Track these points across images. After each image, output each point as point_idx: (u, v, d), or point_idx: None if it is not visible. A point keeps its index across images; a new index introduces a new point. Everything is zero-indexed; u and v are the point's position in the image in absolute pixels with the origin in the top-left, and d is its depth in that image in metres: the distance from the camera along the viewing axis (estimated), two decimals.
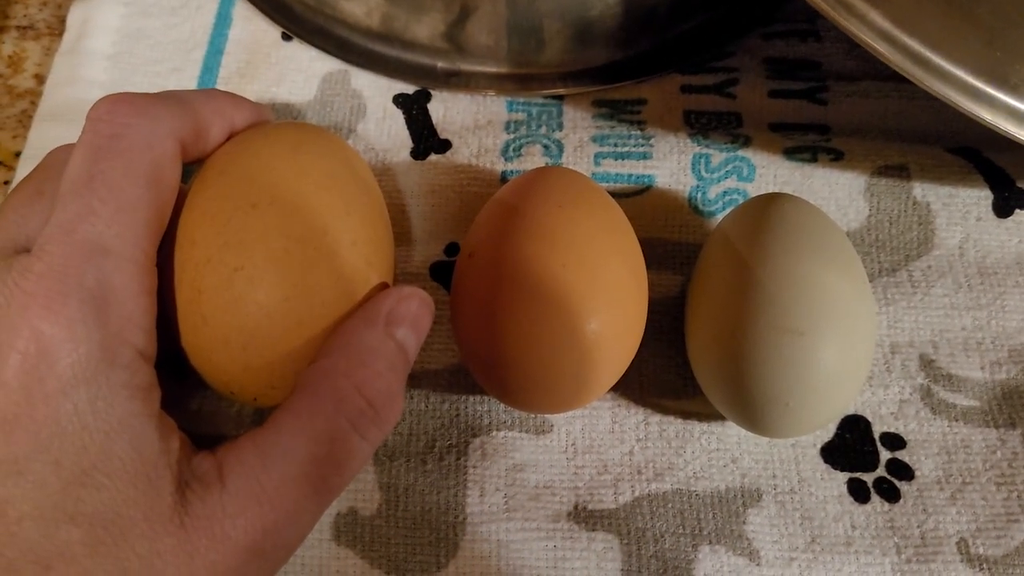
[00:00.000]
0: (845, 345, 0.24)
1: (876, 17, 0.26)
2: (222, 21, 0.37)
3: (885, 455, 0.28)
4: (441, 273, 0.31)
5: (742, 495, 0.27)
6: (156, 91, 0.24)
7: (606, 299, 0.24)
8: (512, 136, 0.33)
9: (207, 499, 0.21)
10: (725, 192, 0.32)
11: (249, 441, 0.22)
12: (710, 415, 0.28)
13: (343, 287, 0.23)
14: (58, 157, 0.24)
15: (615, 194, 0.32)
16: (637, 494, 0.27)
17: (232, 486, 0.21)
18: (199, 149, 0.25)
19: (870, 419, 0.29)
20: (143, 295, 0.21)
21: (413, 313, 0.24)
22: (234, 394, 0.24)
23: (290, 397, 0.22)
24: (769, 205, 0.27)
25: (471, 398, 0.29)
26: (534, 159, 0.33)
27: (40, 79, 0.37)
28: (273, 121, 0.28)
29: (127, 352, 0.20)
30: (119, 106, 0.22)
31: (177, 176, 0.23)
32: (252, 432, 0.22)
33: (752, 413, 0.25)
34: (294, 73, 0.36)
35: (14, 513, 0.19)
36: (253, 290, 0.22)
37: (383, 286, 0.25)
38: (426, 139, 0.34)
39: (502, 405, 0.28)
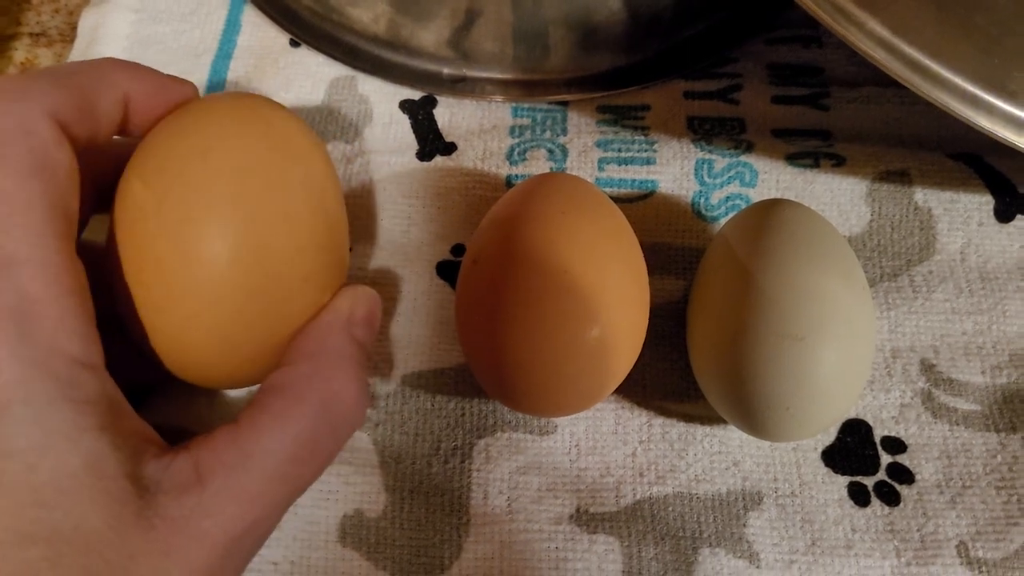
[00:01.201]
0: (845, 350, 0.24)
1: (875, 25, 0.26)
2: (231, 27, 0.37)
3: (886, 459, 0.28)
4: (447, 272, 0.31)
5: (743, 498, 0.28)
6: None
7: (608, 305, 0.25)
8: (517, 141, 0.34)
9: (184, 499, 0.20)
10: (728, 197, 0.32)
11: (228, 440, 0.22)
12: (712, 418, 0.29)
13: (294, 260, 0.23)
14: None
15: (618, 199, 0.32)
16: (639, 497, 0.28)
17: (213, 486, 0.21)
18: (88, 126, 0.22)
19: (871, 423, 0.29)
20: (66, 296, 0.20)
21: (369, 313, 0.26)
22: (188, 372, 0.24)
23: (268, 398, 0.23)
24: (770, 211, 0.27)
25: (476, 398, 0.29)
26: (538, 163, 0.33)
27: None
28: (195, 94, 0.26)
29: (63, 364, 0.20)
30: None
31: (67, 157, 0.21)
32: (229, 430, 0.22)
33: (753, 417, 0.25)
34: (302, 78, 0.36)
35: None
36: (200, 248, 0.22)
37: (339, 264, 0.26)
38: (432, 142, 0.34)
39: (505, 406, 0.29)
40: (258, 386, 0.24)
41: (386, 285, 0.31)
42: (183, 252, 0.22)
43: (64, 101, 0.21)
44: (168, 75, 0.25)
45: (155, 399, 0.28)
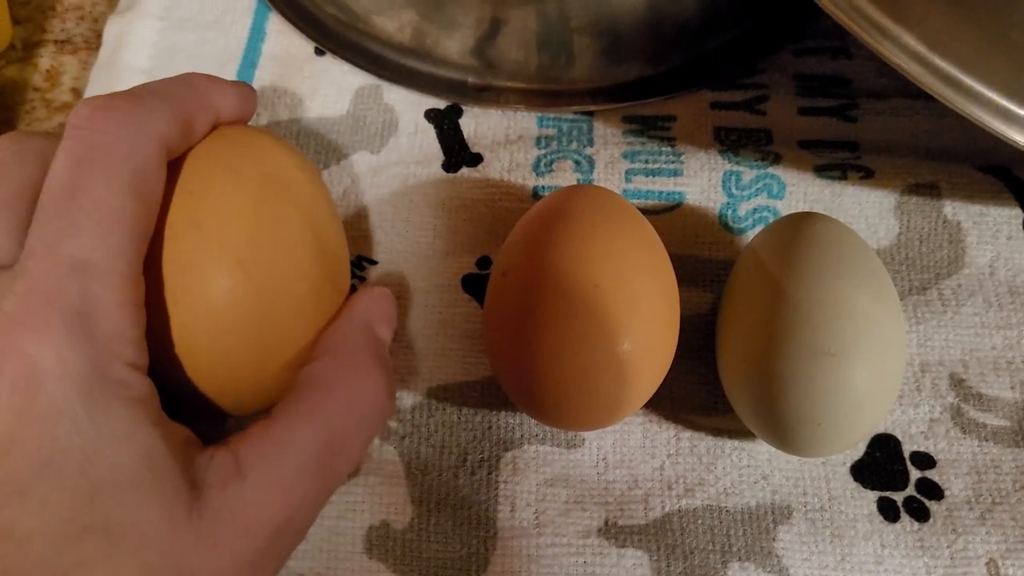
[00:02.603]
0: (877, 366, 0.24)
1: (909, 40, 0.26)
2: (256, 35, 0.37)
3: (915, 474, 0.28)
4: (473, 286, 0.31)
5: (772, 512, 0.28)
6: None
7: (639, 319, 0.25)
8: (543, 151, 0.34)
9: (227, 492, 0.21)
10: (755, 209, 0.32)
11: (264, 434, 0.23)
12: (741, 432, 0.29)
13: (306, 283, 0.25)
14: (33, 147, 0.23)
15: (646, 210, 0.32)
16: (667, 510, 0.28)
17: (253, 478, 0.22)
18: (186, 144, 0.24)
19: (900, 438, 0.29)
20: (128, 307, 0.21)
21: (386, 311, 0.27)
22: (209, 395, 0.25)
23: (299, 392, 0.24)
24: (801, 225, 0.27)
25: (503, 411, 0.29)
26: (565, 175, 0.33)
27: (77, 93, 0.37)
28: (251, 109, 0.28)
29: (118, 366, 0.20)
30: (99, 112, 0.22)
31: (161, 181, 0.23)
32: (263, 425, 0.23)
33: (783, 433, 0.25)
34: (327, 87, 0.36)
35: (22, 531, 0.19)
36: (201, 285, 0.23)
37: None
38: (457, 153, 0.34)
39: (533, 419, 0.29)
40: None
41: (412, 297, 0.31)
42: (185, 289, 0.23)
43: (170, 125, 0.23)
44: (243, 85, 0.27)
45: None
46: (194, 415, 0.24)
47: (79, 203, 0.21)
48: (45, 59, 0.38)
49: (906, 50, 0.26)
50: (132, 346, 0.21)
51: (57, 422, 0.19)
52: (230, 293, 0.23)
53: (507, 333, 0.25)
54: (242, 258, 0.23)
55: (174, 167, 0.24)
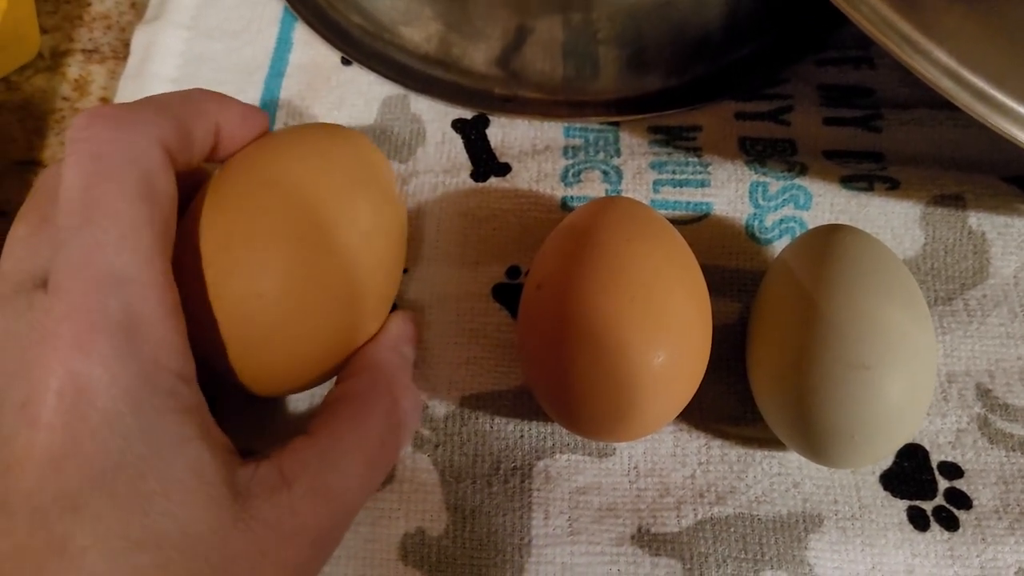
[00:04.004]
0: (909, 378, 0.24)
1: (940, 55, 0.26)
2: (283, 45, 0.38)
3: (943, 484, 0.28)
4: (504, 295, 0.32)
5: (804, 520, 0.28)
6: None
7: (673, 332, 0.25)
8: (571, 162, 0.34)
9: (274, 501, 0.22)
10: (782, 220, 0.32)
11: (308, 447, 0.23)
12: (771, 441, 0.29)
13: (351, 281, 0.25)
14: (47, 179, 0.24)
15: (674, 221, 0.32)
16: (700, 517, 0.28)
17: (298, 488, 0.22)
18: (187, 153, 0.24)
19: (928, 448, 0.29)
20: (169, 316, 0.21)
21: (411, 333, 0.29)
22: (258, 384, 0.25)
23: (337, 407, 0.25)
24: (831, 237, 0.27)
25: (535, 420, 0.30)
26: (593, 185, 0.33)
27: (106, 102, 0.38)
28: (272, 126, 0.28)
29: (166, 377, 0.21)
30: (97, 121, 0.22)
31: (171, 184, 0.23)
32: (305, 438, 0.24)
33: (817, 445, 0.25)
34: (354, 97, 0.36)
35: (76, 546, 0.19)
36: (258, 280, 0.24)
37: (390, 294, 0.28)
38: (485, 163, 0.34)
39: (568, 430, 0.29)
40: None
41: (442, 307, 0.31)
42: (249, 281, 0.24)
43: (169, 129, 0.23)
44: (249, 105, 0.27)
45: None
46: (226, 406, 0.24)
47: (96, 220, 0.21)
48: (73, 68, 0.38)
49: (938, 65, 0.26)
50: (178, 355, 0.21)
51: (109, 437, 0.19)
52: (282, 295, 0.24)
53: (543, 346, 0.26)
54: (288, 267, 0.24)
55: (245, 172, 0.25)
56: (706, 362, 0.27)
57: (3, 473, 0.19)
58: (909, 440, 0.29)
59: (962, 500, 0.28)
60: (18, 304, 0.21)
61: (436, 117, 0.36)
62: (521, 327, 0.27)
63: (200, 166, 0.26)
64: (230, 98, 0.26)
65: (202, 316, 0.23)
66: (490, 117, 0.36)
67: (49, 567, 0.19)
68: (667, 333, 0.25)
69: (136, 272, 0.21)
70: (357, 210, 0.26)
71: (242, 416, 0.28)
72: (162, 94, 0.25)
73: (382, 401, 0.26)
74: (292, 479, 0.22)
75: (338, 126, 0.28)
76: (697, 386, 0.27)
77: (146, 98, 0.24)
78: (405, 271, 0.32)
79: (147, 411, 0.20)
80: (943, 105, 0.34)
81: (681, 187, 0.33)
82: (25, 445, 0.19)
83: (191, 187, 0.25)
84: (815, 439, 0.25)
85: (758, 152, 0.34)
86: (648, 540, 0.28)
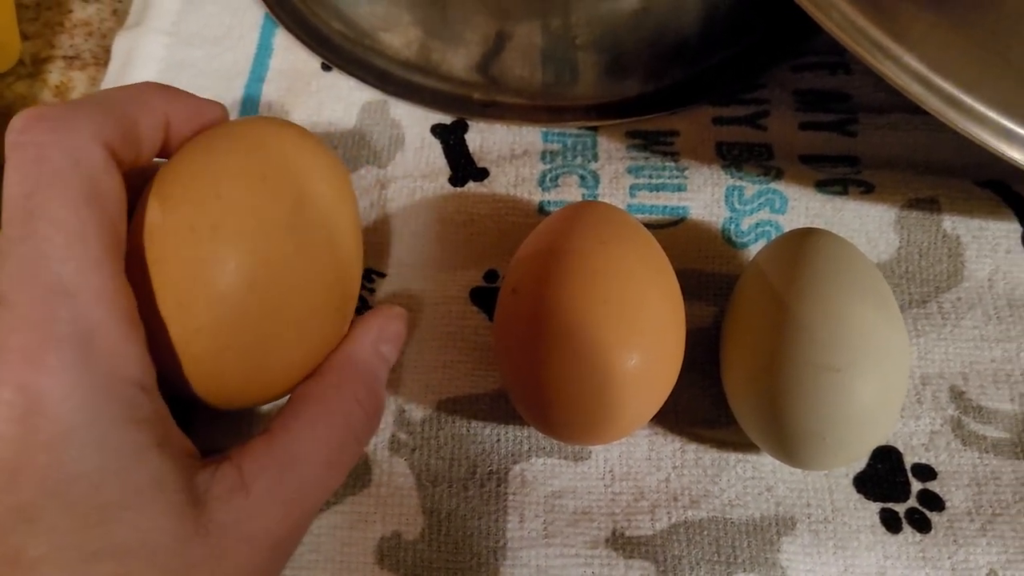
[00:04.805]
0: (881, 381, 0.25)
1: (911, 60, 0.26)
2: (263, 51, 0.38)
3: (916, 486, 0.29)
4: (481, 299, 0.32)
5: (776, 523, 0.28)
6: None
7: (646, 335, 0.25)
8: (548, 166, 0.34)
9: (232, 505, 0.22)
10: (758, 224, 0.33)
11: (266, 448, 0.23)
12: (745, 444, 0.29)
13: (307, 287, 0.25)
14: None
15: (650, 225, 0.32)
16: (673, 521, 0.28)
17: (256, 491, 0.22)
18: (132, 149, 0.23)
19: (901, 450, 0.29)
20: (123, 324, 0.21)
21: (397, 332, 0.28)
22: (211, 398, 0.25)
23: (299, 407, 0.25)
24: (804, 241, 0.27)
25: (512, 424, 0.30)
26: (571, 190, 0.33)
27: None
28: (226, 118, 0.27)
29: (123, 387, 0.20)
30: (35, 123, 0.21)
31: (116, 185, 0.22)
32: (265, 439, 0.24)
33: (788, 447, 0.25)
34: (334, 102, 0.36)
35: (30, 557, 0.19)
36: (223, 273, 0.23)
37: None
38: (464, 167, 0.35)
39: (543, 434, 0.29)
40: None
41: (420, 311, 0.32)
42: (197, 284, 0.23)
43: (110, 127, 0.22)
44: (202, 98, 0.26)
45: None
46: (190, 413, 0.24)
47: (39, 226, 0.20)
48: (54, 75, 0.39)
49: (908, 70, 0.26)
50: (134, 364, 0.21)
51: (63, 449, 0.19)
52: (238, 299, 0.23)
53: (517, 349, 0.26)
54: (253, 263, 0.23)
55: (190, 167, 0.24)
56: (680, 365, 0.27)
57: None
58: (881, 442, 0.29)
59: (935, 502, 0.28)
60: None
61: (415, 122, 0.36)
62: (497, 331, 0.27)
63: (149, 162, 0.25)
64: (179, 91, 0.25)
65: (154, 324, 0.23)
66: (469, 122, 0.36)
67: None
68: (640, 336, 0.25)
69: (84, 281, 0.20)
70: (306, 212, 0.25)
71: (217, 417, 0.28)
72: (105, 90, 0.24)
73: (344, 403, 0.25)
74: (251, 481, 0.22)
75: (275, 119, 0.27)
76: (671, 389, 0.27)
77: (87, 96, 0.23)
78: (383, 275, 0.32)
79: (103, 422, 0.20)
80: (918, 110, 0.33)
81: (658, 191, 0.33)
82: None
83: (141, 183, 0.25)
84: (787, 441, 0.25)
85: (734, 157, 0.34)
86: (622, 543, 0.28)
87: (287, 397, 0.26)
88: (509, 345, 0.26)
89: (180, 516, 0.21)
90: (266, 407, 0.30)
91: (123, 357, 0.21)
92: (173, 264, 0.23)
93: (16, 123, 0.21)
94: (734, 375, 0.27)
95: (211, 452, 0.23)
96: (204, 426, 0.27)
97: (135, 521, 0.20)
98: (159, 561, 0.20)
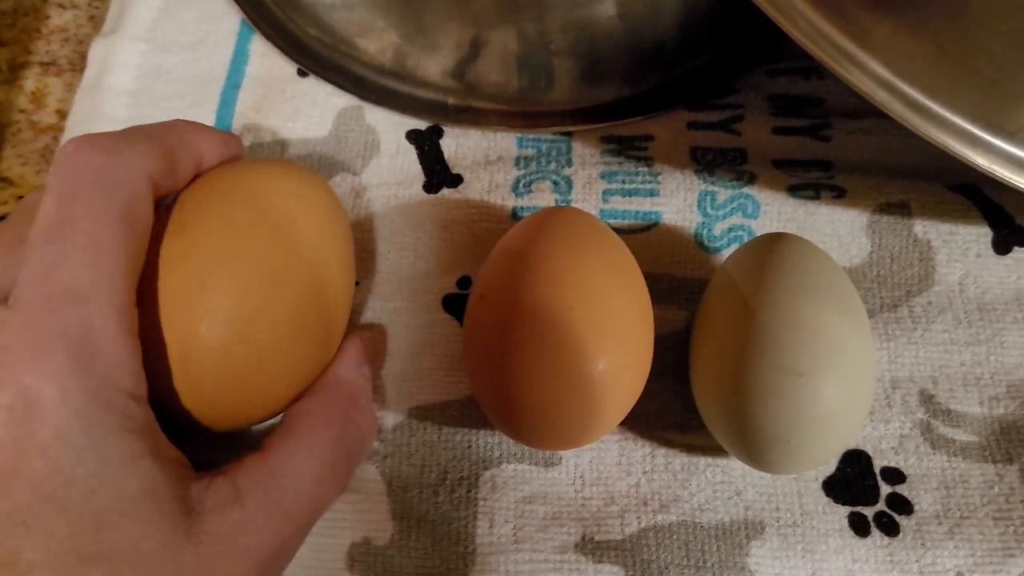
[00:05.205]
0: (845, 385, 0.25)
1: (876, 66, 0.26)
2: (239, 57, 0.38)
3: (885, 489, 0.29)
4: (453, 306, 0.32)
5: (745, 527, 0.28)
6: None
7: (613, 339, 0.25)
8: (522, 172, 0.34)
9: (226, 517, 0.22)
10: (730, 228, 0.33)
11: (261, 463, 0.24)
12: (715, 449, 0.29)
13: (302, 315, 0.26)
14: (35, 201, 0.24)
15: (622, 230, 0.32)
16: (643, 525, 0.28)
17: (251, 503, 0.23)
18: (170, 183, 0.25)
19: (871, 454, 0.29)
20: (125, 336, 0.21)
21: (372, 354, 0.30)
22: (206, 418, 0.25)
23: (293, 424, 0.25)
24: (771, 246, 0.27)
25: (482, 430, 0.30)
26: (544, 195, 0.34)
27: (62, 114, 0.38)
28: (242, 158, 0.29)
29: (118, 397, 0.21)
30: (85, 147, 0.22)
31: (149, 214, 0.23)
32: (259, 455, 0.24)
33: (754, 450, 0.25)
34: (309, 108, 0.37)
35: (25, 562, 0.19)
36: (221, 305, 0.24)
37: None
38: (438, 174, 0.35)
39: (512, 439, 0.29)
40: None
41: (393, 318, 0.32)
42: (197, 313, 0.24)
43: (157, 161, 0.24)
44: (227, 133, 0.28)
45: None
46: (184, 432, 0.24)
47: (68, 233, 0.21)
48: (31, 81, 0.39)
49: (873, 76, 0.27)
50: (131, 376, 0.21)
51: (60, 453, 0.20)
52: (234, 330, 0.24)
53: (485, 355, 0.26)
54: (238, 292, 0.24)
55: (179, 203, 0.25)
56: (648, 369, 0.27)
57: None
58: (846, 446, 0.29)
59: (903, 505, 0.28)
60: None
61: (391, 128, 0.36)
62: (466, 337, 0.27)
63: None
64: (211, 128, 0.27)
65: (154, 348, 0.24)
66: (444, 128, 0.36)
67: None
68: (607, 341, 0.25)
69: (99, 291, 0.21)
70: (295, 251, 0.26)
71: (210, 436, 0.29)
72: (149, 124, 0.25)
73: (336, 420, 0.26)
74: (245, 494, 0.23)
75: (282, 160, 0.29)
76: (639, 393, 0.27)
77: (135, 128, 0.25)
78: (357, 283, 0.32)
79: (98, 428, 0.20)
80: None
81: (630, 196, 0.33)
82: None
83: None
84: (753, 445, 0.25)
85: (708, 161, 0.34)
86: (592, 548, 0.28)
87: (279, 417, 0.27)
88: (477, 350, 0.26)
89: (173, 525, 0.21)
90: (259, 427, 0.30)
91: (120, 368, 0.21)
92: (177, 290, 0.24)
93: (67, 147, 0.22)
94: (702, 379, 0.27)
95: (205, 468, 0.23)
96: (196, 443, 0.28)
97: (128, 528, 0.20)
98: (150, 568, 0.20)
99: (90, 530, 0.20)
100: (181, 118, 0.27)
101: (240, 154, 0.29)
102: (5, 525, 0.19)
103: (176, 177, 0.25)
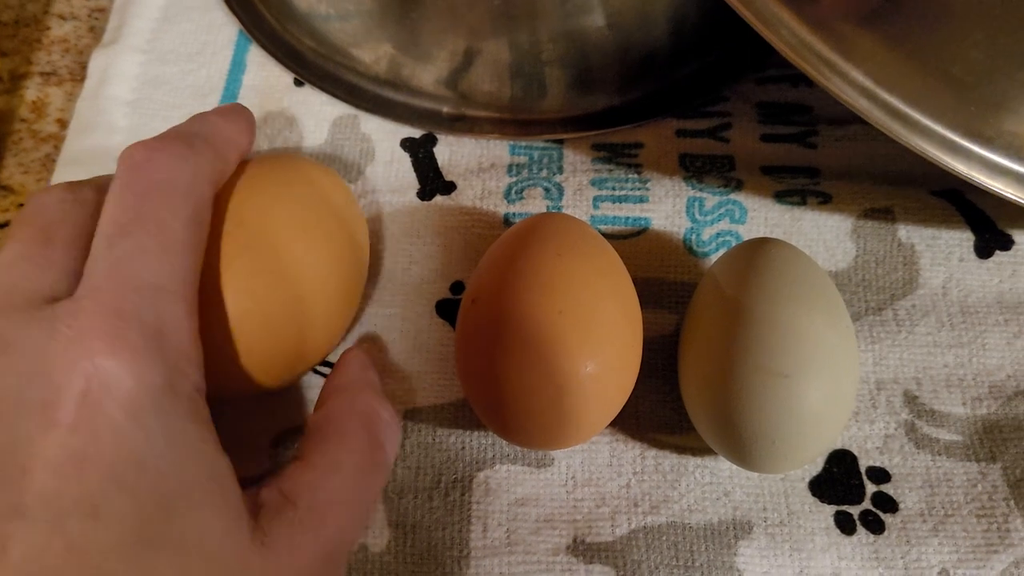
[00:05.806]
0: (828, 386, 0.25)
1: (857, 75, 0.27)
2: (237, 67, 0.38)
3: (871, 488, 0.29)
4: (446, 311, 0.32)
5: (734, 527, 0.29)
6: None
7: (601, 342, 0.26)
8: (514, 179, 0.35)
9: (283, 518, 0.22)
10: (718, 234, 0.33)
11: (304, 466, 0.24)
12: (703, 450, 0.30)
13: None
14: (46, 203, 0.24)
15: (612, 236, 0.33)
16: (633, 526, 0.29)
17: (303, 504, 0.23)
18: (224, 179, 0.27)
19: (856, 453, 0.30)
20: (194, 332, 0.22)
21: (371, 359, 0.30)
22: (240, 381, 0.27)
23: (320, 429, 0.26)
24: (757, 250, 0.28)
25: (475, 432, 0.30)
26: (535, 202, 0.34)
27: (63, 124, 0.38)
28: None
29: (187, 386, 0.21)
30: (156, 152, 0.24)
31: (209, 216, 0.25)
32: (298, 464, 0.24)
33: (741, 450, 0.26)
34: (305, 117, 0.37)
35: (95, 548, 0.19)
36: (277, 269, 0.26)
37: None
38: (432, 181, 0.35)
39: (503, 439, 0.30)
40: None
41: (388, 323, 0.32)
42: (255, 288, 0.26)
43: (217, 164, 0.26)
44: (246, 117, 0.29)
45: None
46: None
47: (146, 228, 0.22)
48: (31, 91, 0.39)
49: (854, 85, 0.27)
50: (197, 368, 0.22)
51: (132, 435, 0.19)
52: (284, 287, 0.26)
53: (477, 358, 0.26)
54: (290, 269, 0.27)
55: (232, 196, 0.27)
56: (636, 371, 0.27)
57: (20, 476, 0.19)
58: (830, 446, 0.30)
59: (888, 504, 0.29)
60: (34, 314, 0.21)
61: (385, 137, 0.37)
62: (458, 340, 0.28)
63: None
64: (236, 116, 0.28)
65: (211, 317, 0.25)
66: (438, 136, 0.37)
67: (67, 573, 0.18)
68: (595, 344, 0.26)
69: (172, 284, 0.22)
70: (335, 221, 0.29)
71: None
72: (194, 123, 0.27)
73: (361, 416, 0.26)
74: (294, 498, 0.23)
75: (302, 159, 0.31)
76: (628, 395, 0.27)
77: (190, 131, 0.26)
78: None
79: (170, 414, 0.20)
80: None
81: (620, 203, 0.34)
82: (44, 446, 0.19)
83: None
84: (739, 445, 0.26)
85: (697, 168, 0.35)
86: (583, 549, 0.28)
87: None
88: (469, 354, 0.27)
89: (238, 518, 0.21)
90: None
91: (188, 360, 0.22)
92: (237, 268, 0.25)
93: (138, 151, 0.24)
94: (690, 381, 0.28)
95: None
96: None
97: (195, 515, 0.20)
98: (216, 559, 0.20)
99: (160, 516, 0.19)
100: (209, 111, 0.28)
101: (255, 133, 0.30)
102: (75, 513, 0.19)
103: (227, 174, 0.27)
